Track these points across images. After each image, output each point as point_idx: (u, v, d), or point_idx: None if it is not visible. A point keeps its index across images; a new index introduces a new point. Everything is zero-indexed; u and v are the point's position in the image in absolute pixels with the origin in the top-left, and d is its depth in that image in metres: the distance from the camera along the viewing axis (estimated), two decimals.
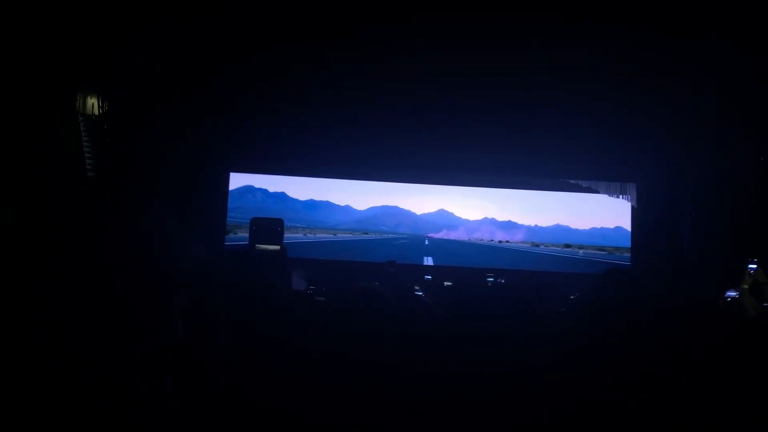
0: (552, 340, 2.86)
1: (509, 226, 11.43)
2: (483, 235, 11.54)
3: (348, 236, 11.73)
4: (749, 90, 6.84)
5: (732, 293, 4.54)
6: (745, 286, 4.34)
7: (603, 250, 11.13)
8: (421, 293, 6.82)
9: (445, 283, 5.88)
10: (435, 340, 2.40)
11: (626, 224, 10.48)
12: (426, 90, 8.00)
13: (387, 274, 7.53)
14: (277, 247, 5.47)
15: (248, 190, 11.30)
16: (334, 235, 11.78)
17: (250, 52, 7.33)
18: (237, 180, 10.59)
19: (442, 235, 11.51)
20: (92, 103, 7.94)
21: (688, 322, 2.36)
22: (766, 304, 4.19)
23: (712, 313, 2.50)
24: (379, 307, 2.58)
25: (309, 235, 11.82)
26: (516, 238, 11.32)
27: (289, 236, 11.65)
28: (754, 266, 4.33)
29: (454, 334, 2.47)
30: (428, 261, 11.14)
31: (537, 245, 11.41)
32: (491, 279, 7.23)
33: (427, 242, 11.49)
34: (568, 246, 11.32)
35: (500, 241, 11.47)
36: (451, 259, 11.54)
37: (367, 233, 11.69)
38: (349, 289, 2.69)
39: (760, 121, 7.43)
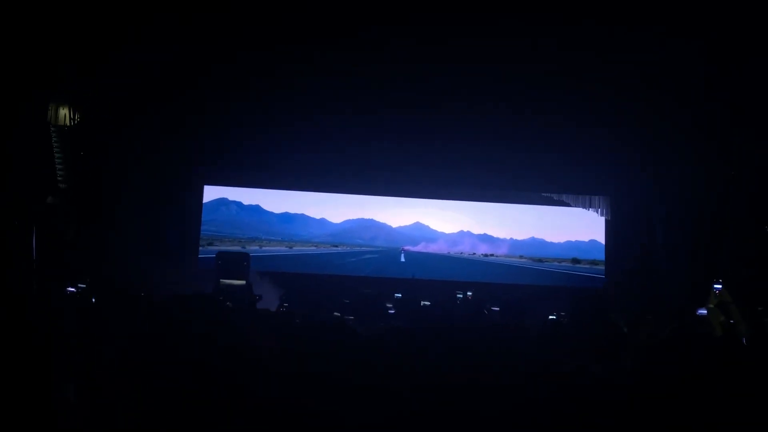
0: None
1: (485, 239, 11.49)
2: (460, 249, 11.59)
3: (311, 249, 11.73)
4: (715, 109, 7.03)
5: (702, 311, 4.63)
6: (712, 306, 4.43)
7: (578, 263, 11.25)
8: (392, 311, 6.82)
9: (422, 303, 5.90)
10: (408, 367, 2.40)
11: (600, 237, 10.62)
12: (402, 105, 8.08)
13: (356, 290, 7.49)
14: (243, 282, 5.51)
15: (222, 202, 11.23)
16: (316, 247, 11.77)
17: (224, 66, 7.35)
18: (211, 192, 10.53)
19: (419, 248, 11.54)
20: (63, 113, 7.88)
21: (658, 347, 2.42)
22: (731, 322, 4.28)
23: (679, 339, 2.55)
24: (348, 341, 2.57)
25: (281, 248, 11.78)
26: (499, 252, 11.40)
27: (266, 249, 11.60)
28: (719, 286, 4.42)
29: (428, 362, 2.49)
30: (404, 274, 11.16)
31: (519, 258, 11.50)
32: (460, 296, 7.25)
33: (403, 258, 11.46)
34: (541, 260, 11.43)
35: (484, 255, 11.53)
36: (428, 275, 11.59)
37: (336, 246, 11.69)
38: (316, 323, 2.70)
39: (727, 137, 7.62)
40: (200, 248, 9.93)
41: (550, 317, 5.71)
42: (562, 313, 5.58)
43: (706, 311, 4.54)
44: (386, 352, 2.61)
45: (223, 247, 10.03)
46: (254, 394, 2.16)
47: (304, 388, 2.19)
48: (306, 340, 2.53)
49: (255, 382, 2.17)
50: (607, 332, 3.66)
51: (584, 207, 10.34)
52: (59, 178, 7.80)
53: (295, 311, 5.40)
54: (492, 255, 11.61)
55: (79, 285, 5.49)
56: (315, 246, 11.80)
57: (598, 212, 10.32)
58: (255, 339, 2.76)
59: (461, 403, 2.22)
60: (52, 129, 7.75)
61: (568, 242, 11.46)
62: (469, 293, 8.07)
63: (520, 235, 11.50)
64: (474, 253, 11.68)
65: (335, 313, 5.32)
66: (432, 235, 11.76)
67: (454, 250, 11.75)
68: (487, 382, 2.33)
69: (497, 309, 6.53)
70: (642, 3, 5.34)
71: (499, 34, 5.96)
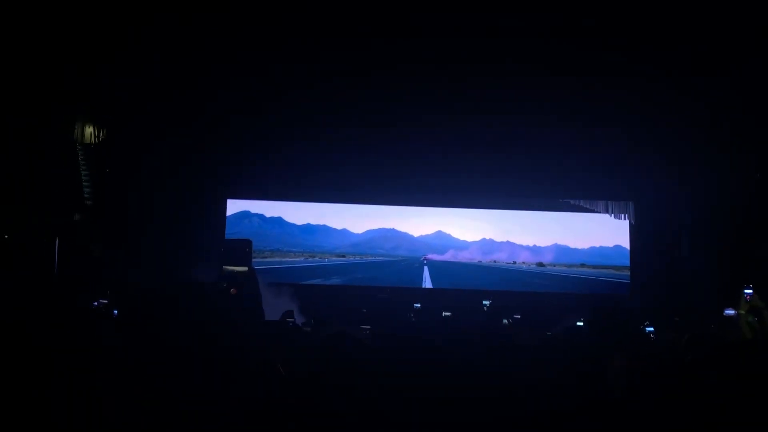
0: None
1: (509, 246, 11.48)
2: (484, 257, 11.58)
3: (325, 261, 11.81)
4: (738, 114, 7.00)
5: (730, 311, 4.60)
6: (742, 311, 4.40)
7: (604, 269, 11.17)
8: (413, 319, 6.84)
9: (444, 314, 5.91)
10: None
11: (625, 243, 10.56)
12: (421, 115, 8.13)
13: (376, 301, 7.51)
14: (245, 268, 5.53)
15: (245, 215, 11.35)
16: (327, 259, 11.86)
17: (244, 82, 7.47)
18: (233, 206, 10.70)
19: (446, 257, 11.53)
20: (89, 130, 8.06)
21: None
22: (763, 327, 4.25)
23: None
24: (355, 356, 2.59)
25: (304, 259, 11.88)
26: (522, 259, 11.36)
27: (286, 261, 11.70)
28: (750, 291, 4.39)
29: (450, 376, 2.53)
30: (427, 284, 11.17)
31: (542, 265, 11.46)
32: (487, 303, 7.26)
33: (426, 269, 11.44)
34: (541, 265, 11.40)
35: (510, 263, 11.52)
36: (451, 284, 11.59)
37: (344, 256, 11.76)
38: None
39: (751, 141, 7.57)
40: None
41: (578, 323, 5.71)
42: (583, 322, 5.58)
43: (733, 312, 4.51)
44: (391, 362, 2.65)
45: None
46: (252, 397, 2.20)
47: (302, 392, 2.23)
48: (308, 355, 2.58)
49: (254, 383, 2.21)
50: (627, 339, 3.67)
51: (608, 212, 10.29)
52: (86, 195, 7.98)
53: (303, 323, 5.40)
54: (515, 262, 11.59)
55: (101, 300, 5.60)
56: (327, 257, 11.87)
57: (622, 217, 10.26)
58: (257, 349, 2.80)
59: (466, 415, 2.26)
60: (78, 147, 7.94)
61: (593, 248, 11.39)
62: (488, 302, 8.05)
63: (543, 241, 11.47)
64: (496, 261, 11.66)
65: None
66: (455, 244, 11.77)
67: (477, 259, 11.74)
68: (501, 395, 2.37)
69: (518, 316, 6.54)
70: (665, 5, 5.34)
71: (521, 39, 6.00)
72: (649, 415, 2.24)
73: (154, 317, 2.51)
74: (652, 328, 5.26)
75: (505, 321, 6.14)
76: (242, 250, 5.88)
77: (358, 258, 11.95)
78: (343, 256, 11.93)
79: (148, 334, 2.32)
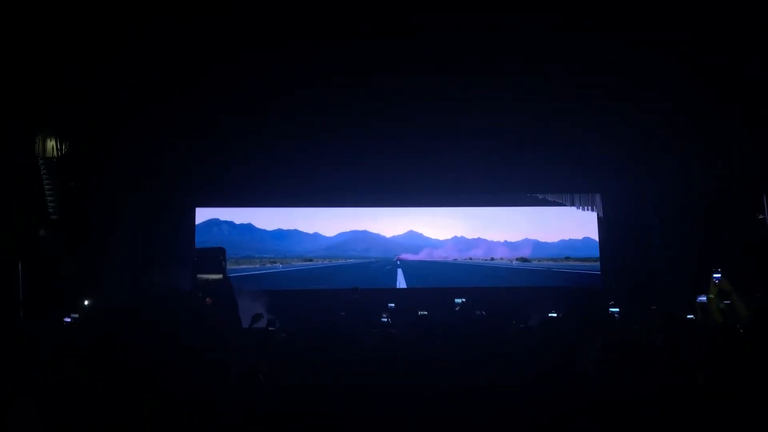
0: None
1: (479, 243, 11.58)
2: (452, 254, 11.66)
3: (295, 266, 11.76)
4: (703, 102, 7.17)
5: (702, 298, 4.72)
6: (712, 295, 4.51)
7: (576, 261, 11.34)
8: (387, 320, 6.84)
9: (420, 312, 5.93)
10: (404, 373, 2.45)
11: (594, 234, 10.74)
12: (390, 118, 8.14)
13: (350, 302, 7.52)
14: (220, 276, 5.51)
15: (214, 223, 11.25)
16: (308, 262, 11.79)
17: (209, 86, 7.39)
18: (201, 214, 10.56)
19: (420, 256, 11.58)
20: (51, 144, 7.89)
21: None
22: (732, 309, 4.37)
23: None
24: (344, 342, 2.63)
25: (273, 265, 11.81)
26: (493, 254, 11.47)
27: (253, 267, 11.61)
28: (719, 275, 4.51)
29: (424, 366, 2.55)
30: (401, 283, 11.19)
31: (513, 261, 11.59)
32: (459, 301, 7.29)
33: (399, 270, 11.44)
34: (525, 260, 11.53)
35: (482, 260, 11.60)
36: (424, 283, 11.63)
37: (311, 260, 11.73)
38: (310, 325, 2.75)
39: (712, 130, 7.76)
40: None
41: (550, 315, 5.79)
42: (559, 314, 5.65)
43: (705, 299, 4.62)
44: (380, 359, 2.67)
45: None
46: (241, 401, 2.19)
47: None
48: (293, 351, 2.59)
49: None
50: (602, 326, 3.74)
51: (576, 206, 10.45)
52: (50, 209, 7.81)
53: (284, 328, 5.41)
54: (492, 259, 11.69)
55: (72, 315, 5.50)
56: (298, 262, 11.83)
57: (590, 210, 10.43)
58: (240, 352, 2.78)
59: (456, 404, 2.29)
60: (41, 160, 7.77)
61: (562, 241, 11.57)
62: (462, 300, 8.10)
63: (514, 237, 11.62)
64: (471, 258, 11.76)
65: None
66: (427, 243, 11.83)
67: (450, 257, 11.82)
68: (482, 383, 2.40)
69: (482, 313, 6.59)
70: (627, 5, 5.45)
71: (486, 36, 6.05)
72: (625, 399, 2.29)
73: (132, 332, 2.49)
74: (617, 309, 5.37)
75: (478, 312, 6.21)
76: (216, 258, 5.86)
77: (327, 262, 11.94)
78: (311, 260, 11.91)
79: (127, 347, 2.30)
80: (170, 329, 2.54)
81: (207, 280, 5.43)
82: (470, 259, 11.70)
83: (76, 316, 5.52)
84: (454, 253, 11.79)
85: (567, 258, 11.51)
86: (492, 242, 11.63)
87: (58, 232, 7.73)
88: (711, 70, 6.48)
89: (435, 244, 11.80)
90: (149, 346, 2.35)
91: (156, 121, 8.02)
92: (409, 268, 11.75)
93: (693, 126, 7.80)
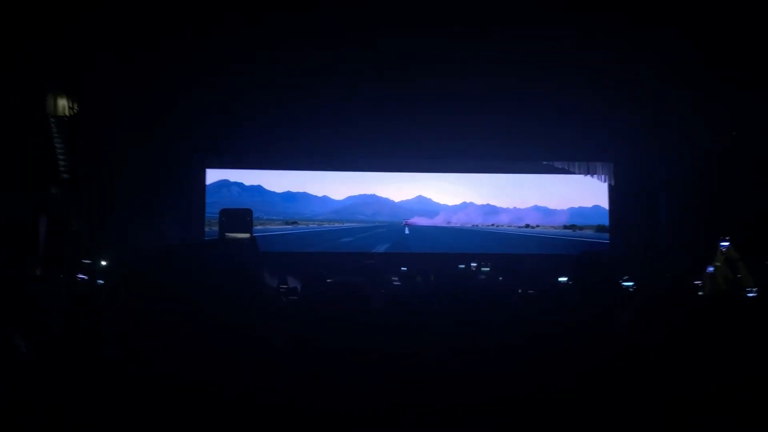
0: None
1: (489, 209, 11.62)
2: (462, 220, 11.72)
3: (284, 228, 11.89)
4: (715, 69, 7.12)
5: (710, 269, 4.78)
6: (718, 264, 4.57)
7: (585, 229, 11.38)
8: (398, 282, 6.97)
9: (432, 277, 6.04)
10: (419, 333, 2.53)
11: (604, 203, 10.76)
12: (403, 80, 8.12)
13: (364, 266, 7.62)
14: (247, 235, 5.65)
15: (223, 184, 11.31)
16: (306, 225, 11.92)
17: (218, 46, 7.38)
18: (211, 175, 10.66)
19: (424, 221, 11.67)
20: (62, 103, 7.95)
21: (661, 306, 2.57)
22: (738, 277, 4.43)
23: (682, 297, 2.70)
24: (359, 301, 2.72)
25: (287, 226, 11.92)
26: (502, 221, 11.54)
27: (268, 228, 11.73)
28: (726, 243, 4.56)
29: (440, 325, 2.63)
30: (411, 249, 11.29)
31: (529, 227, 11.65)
32: (486, 269, 7.38)
33: (407, 231, 11.61)
34: (527, 227, 11.60)
35: (491, 225, 11.67)
36: (432, 248, 11.74)
37: (323, 223, 11.87)
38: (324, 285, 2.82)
39: (727, 98, 7.72)
40: (205, 230, 10.07)
41: (560, 279, 5.85)
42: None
43: (713, 269, 4.69)
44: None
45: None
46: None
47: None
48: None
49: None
50: (610, 289, 3.80)
51: (586, 173, 10.46)
52: (61, 168, 7.90)
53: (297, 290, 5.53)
54: (495, 225, 11.76)
55: (80, 276, 5.64)
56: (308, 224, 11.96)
57: (600, 179, 10.45)
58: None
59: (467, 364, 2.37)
60: (51, 119, 7.83)
61: (571, 209, 11.59)
62: (473, 264, 8.21)
63: (523, 203, 11.65)
64: (477, 225, 11.82)
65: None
66: (435, 208, 11.89)
67: (456, 222, 11.89)
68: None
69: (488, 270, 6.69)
70: None
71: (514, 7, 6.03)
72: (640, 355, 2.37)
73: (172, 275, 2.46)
74: (631, 283, 5.37)
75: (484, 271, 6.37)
76: (243, 218, 6.01)
77: (337, 224, 12.04)
78: (322, 224, 12.02)
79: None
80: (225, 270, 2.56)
81: (235, 238, 5.56)
82: (494, 225, 11.75)
83: (86, 277, 5.64)
84: (462, 218, 11.86)
85: (573, 226, 11.54)
86: (500, 208, 11.68)
87: (70, 191, 7.84)
88: (726, 36, 6.43)
89: (443, 209, 11.86)
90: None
91: (164, 79, 8.04)
92: (418, 233, 11.82)
93: (706, 94, 7.76)
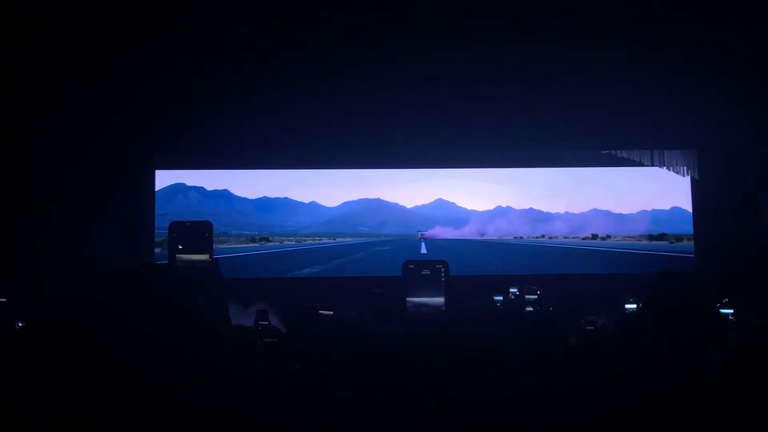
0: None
1: (533, 215, 11.64)
2: (502, 230, 11.71)
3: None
4: None
5: None
6: None
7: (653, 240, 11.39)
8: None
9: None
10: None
11: (686, 204, 10.81)
12: (417, 47, 8.13)
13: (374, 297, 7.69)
14: (205, 257, 5.67)
15: (179, 189, 11.39)
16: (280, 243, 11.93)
17: (171, 24, 7.48)
18: (163, 178, 10.69)
19: (448, 233, 11.63)
20: None
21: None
22: None
23: None
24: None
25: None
26: (554, 231, 11.53)
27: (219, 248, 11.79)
28: None
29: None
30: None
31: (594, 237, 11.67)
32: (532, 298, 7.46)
33: (424, 249, 11.51)
34: (595, 237, 11.63)
35: (539, 237, 11.69)
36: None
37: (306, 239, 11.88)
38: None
39: None
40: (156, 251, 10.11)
41: (627, 306, 5.92)
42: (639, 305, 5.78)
43: None
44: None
45: None
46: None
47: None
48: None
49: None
50: (700, 322, 3.86)
51: (662, 166, 10.50)
52: None
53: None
54: (547, 236, 11.80)
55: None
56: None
57: (682, 172, 10.49)
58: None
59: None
60: None
61: (643, 212, 11.63)
62: (514, 290, 8.27)
63: (578, 207, 11.69)
64: (520, 237, 11.86)
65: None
66: (461, 215, 11.93)
67: (493, 234, 11.91)
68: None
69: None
70: None
71: None
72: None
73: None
74: (730, 310, 5.44)
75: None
76: (200, 234, 6.06)
77: (325, 241, 12.08)
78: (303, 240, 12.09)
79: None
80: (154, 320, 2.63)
81: (189, 262, 5.63)
82: (543, 236, 11.78)
83: (4, 300, 5.80)
84: (502, 228, 11.88)
85: (665, 236, 11.55)
86: (547, 213, 11.71)
87: None
88: None
89: (470, 217, 11.90)
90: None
91: (103, 59, 8.14)
92: (438, 249, 11.85)
93: None
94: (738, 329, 4.88)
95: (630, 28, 7.60)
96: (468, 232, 11.94)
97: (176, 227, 6.43)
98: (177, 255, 5.93)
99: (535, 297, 8.07)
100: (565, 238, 11.79)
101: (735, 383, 2.59)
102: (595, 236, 11.80)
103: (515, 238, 11.85)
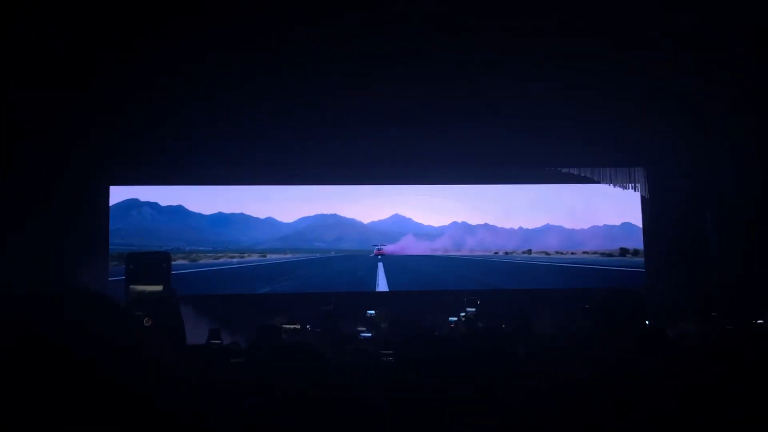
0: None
1: (487, 230, 11.76)
2: (451, 245, 11.82)
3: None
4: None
5: None
6: None
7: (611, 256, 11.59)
8: (368, 334, 7.14)
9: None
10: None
11: (635, 220, 11.05)
12: (372, 69, 8.24)
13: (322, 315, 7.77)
14: (160, 288, 5.68)
15: (132, 204, 11.32)
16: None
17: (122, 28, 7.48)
18: (117, 194, 10.65)
19: (404, 247, 11.68)
20: None
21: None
22: None
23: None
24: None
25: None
26: (506, 246, 11.66)
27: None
28: None
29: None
30: (381, 285, 11.36)
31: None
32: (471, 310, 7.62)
33: (380, 268, 11.53)
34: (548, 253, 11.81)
35: (493, 252, 11.82)
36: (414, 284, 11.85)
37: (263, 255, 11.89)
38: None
39: None
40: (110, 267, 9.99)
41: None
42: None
43: None
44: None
45: None
46: None
47: None
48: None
49: None
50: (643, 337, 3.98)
51: (620, 184, 10.75)
52: None
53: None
54: (497, 252, 11.93)
55: None
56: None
57: (630, 188, 10.72)
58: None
59: None
60: None
61: (594, 228, 11.83)
62: (471, 310, 8.40)
63: (531, 223, 11.86)
64: (473, 251, 11.98)
65: None
66: (416, 230, 12.02)
67: (443, 249, 12.02)
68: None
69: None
70: None
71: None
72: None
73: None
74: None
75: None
76: (157, 265, 6.04)
77: (277, 257, 12.06)
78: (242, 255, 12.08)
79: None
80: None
81: (143, 293, 5.60)
82: (497, 252, 11.88)
83: None
84: (448, 244, 12.00)
85: (625, 251, 11.76)
86: (501, 229, 11.86)
87: None
88: None
89: (427, 232, 12.00)
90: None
91: (52, 66, 8.08)
92: (393, 264, 11.93)
93: (760, 94, 8.10)
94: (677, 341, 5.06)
95: (566, 56, 7.84)
96: (425, 248, 12.03)
97: (133, 258, 6.46)
98: (130, 286, 5.95)
99: (474, 309, 8.26)
100: (524, 252, 11.94)
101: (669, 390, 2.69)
102: (546, 253, 11.98)
103: (469, 252, 11.96)
